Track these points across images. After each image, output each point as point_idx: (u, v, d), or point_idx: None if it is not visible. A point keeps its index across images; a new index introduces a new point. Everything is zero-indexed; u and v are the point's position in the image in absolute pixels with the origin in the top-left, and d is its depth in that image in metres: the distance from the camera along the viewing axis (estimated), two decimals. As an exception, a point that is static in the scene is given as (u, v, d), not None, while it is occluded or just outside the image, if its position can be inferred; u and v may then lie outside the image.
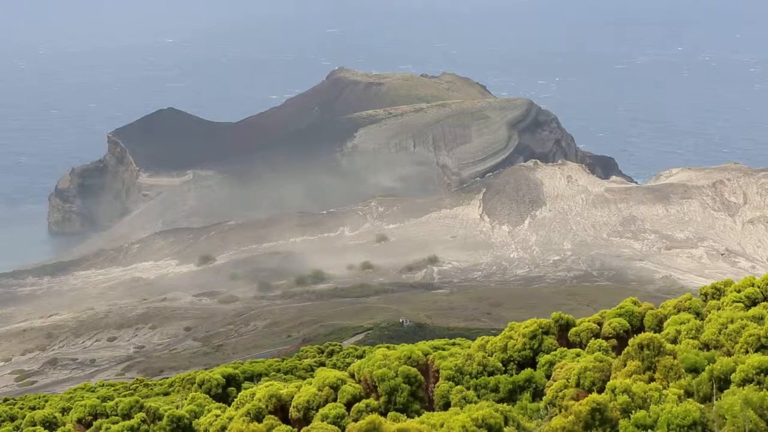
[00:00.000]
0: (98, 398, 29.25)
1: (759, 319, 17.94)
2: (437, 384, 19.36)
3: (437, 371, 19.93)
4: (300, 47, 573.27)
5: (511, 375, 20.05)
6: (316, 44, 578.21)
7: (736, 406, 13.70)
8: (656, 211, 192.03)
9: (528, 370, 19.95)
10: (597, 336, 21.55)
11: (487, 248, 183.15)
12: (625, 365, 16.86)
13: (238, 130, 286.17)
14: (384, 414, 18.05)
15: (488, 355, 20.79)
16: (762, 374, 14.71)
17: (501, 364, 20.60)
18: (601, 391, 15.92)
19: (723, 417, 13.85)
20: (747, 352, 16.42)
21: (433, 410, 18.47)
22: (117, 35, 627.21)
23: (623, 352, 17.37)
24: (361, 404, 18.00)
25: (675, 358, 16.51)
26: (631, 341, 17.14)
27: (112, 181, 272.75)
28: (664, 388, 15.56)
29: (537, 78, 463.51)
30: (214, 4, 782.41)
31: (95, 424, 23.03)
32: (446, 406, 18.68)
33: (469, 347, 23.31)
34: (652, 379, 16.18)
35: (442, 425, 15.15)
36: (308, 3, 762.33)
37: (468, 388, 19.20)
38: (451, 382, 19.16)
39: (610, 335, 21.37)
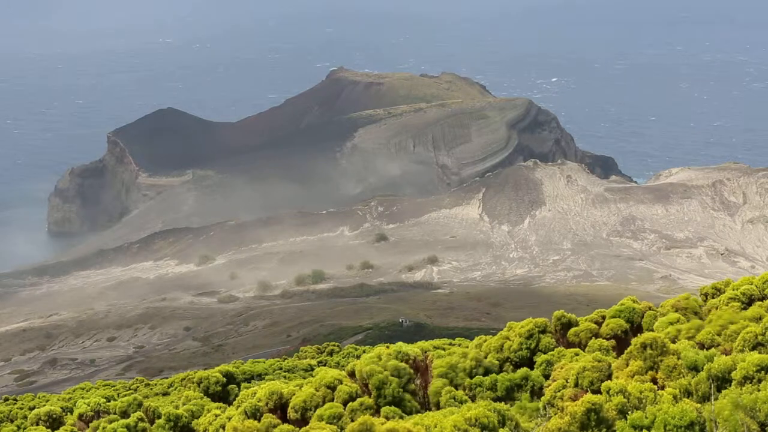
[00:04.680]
0: (100, 396, 29.28)
1: (757, 320, 17.99)
2: (431, 383, 19.35)
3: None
4: (300, 47, 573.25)
5: (508, 373, 20.04)
6: (316, 44, 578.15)
7: (726, 410, 13.74)
8: (656, 210, 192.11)
9: (524, 369, 19.95)
10: (597, 336, 21.56)
11: (486, 248, 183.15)
12: (627, 365, 16.88)
13: (237, 130, 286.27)
14: (377, 410, 18.06)
15: (484, 355, 20.80)
16: (762, 372, 14.74)
17: (497, 362, 20.61)
18: (598, 391, 15.94)
19: (715, 421, 13.89)
20: (743, 350, 16.46)
21: (429, 410, 18.46)
22: (117, 35, 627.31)
23: (626, 352, 17.38)
24: (355, 403, 18.01)
25: (679, 358, 16.54)
26: (633, 341, 17.17)
27: (112, 181, 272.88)
28: (660, 388, 15.58)
29: (537, 78, 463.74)
30: (214, 4, 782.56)
31: (92, 424, 23.04)
32: (439, 405, 18.67)
33: (467, 347, 23.33)
34: (654, 379, 16.22)
35: (435, 425, 15.15)
36: (308, 3, 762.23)
37: (462, 387, 19.19)
38: (444, 380, 19.15)
39: (609, 335, 21.37)
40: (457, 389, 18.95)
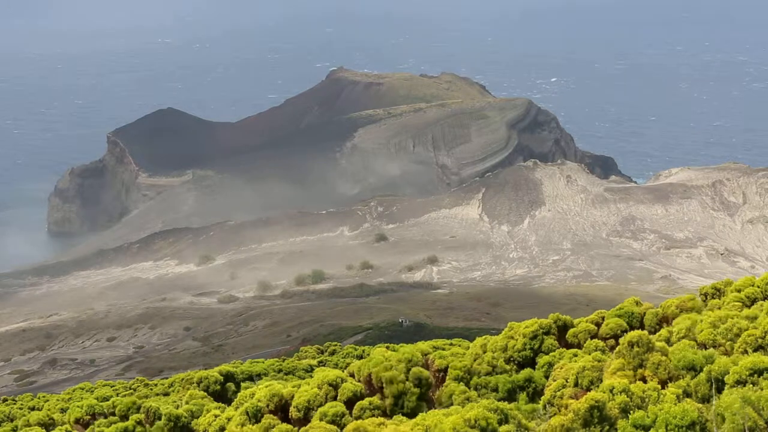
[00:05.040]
0: (96, 398, 29.21)
1: (756, 319, 17.94)
2: (445, 384, 19.27)
3: (438, 371, 19.89)
4: (300, 47, 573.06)
5: (511, 375, 20.06)
6: (316, 44, 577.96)
7: (736, 404, 13.71)
8: (655, 210, 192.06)
9: (527, 370, 19.97)
10: (594, 337, 21.58)
11: (486, 248, 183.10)
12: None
13: (237, 130, 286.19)
14: (389, 416, 17.96)
15: (494, 355, 20.78)
16: (755, 375, 14.71)
17: (505, 363, 20.60)
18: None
19: (721, 416, 13.85)
20: (745, 352, 16.42)
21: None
22: (117, 35, 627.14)
23: (615, 351, 17.48)
24: (365, 402, 17.88)
25: (665, 355, 16.56)
26: (621, 340, 17.28)
27: (112, 181, 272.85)
28: (662, 387, 15.57)
29: (536, 78, 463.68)
30: (214, 4, 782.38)
31: (89, 429, 22.97)
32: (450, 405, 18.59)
33: (468, 348, 23.30)
34: (643, 377, 16.24)
35: (435, 426, 15.12)
36: (308, 3, 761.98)
37: (475, 388, 19.16)
38: (459, 383, 19.06)
39: (608, 336, 21.38)
40: (470, 390, 18.95)
